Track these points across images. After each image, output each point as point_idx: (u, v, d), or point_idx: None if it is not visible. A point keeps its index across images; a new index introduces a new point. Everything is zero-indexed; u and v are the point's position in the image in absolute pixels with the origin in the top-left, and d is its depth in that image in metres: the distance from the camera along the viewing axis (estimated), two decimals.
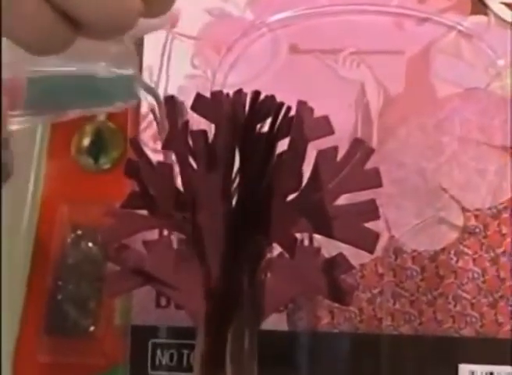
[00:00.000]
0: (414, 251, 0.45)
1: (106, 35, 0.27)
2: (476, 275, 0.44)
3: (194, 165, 0.35)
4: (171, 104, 0.36)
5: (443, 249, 0.45)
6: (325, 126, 0.35)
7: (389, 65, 0.48)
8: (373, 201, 0.34)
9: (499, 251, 0.45)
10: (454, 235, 0.45)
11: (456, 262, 0.45)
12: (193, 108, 0.36)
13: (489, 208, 0.45)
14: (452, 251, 0.45)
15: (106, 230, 0.36)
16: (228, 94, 0.36)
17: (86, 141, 0.51)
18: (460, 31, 0.48)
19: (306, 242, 0.41)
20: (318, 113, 0.35)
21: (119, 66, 0.30)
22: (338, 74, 0.48)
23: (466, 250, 0.45)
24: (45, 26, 0.25)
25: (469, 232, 0.45)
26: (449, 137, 0.46)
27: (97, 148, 0.51)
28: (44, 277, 0.48)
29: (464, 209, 0.45)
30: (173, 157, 0.35)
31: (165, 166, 0.35)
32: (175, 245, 0.37)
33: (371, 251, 0.34)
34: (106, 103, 0.31)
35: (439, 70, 0.48)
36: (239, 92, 0.36)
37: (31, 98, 0.28)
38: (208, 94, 0.36)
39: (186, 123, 0.35)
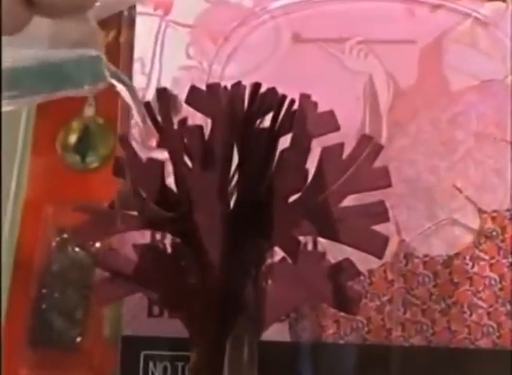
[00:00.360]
0: (426, 255, 0.45)
1: (64, 13, 0.27)
2: (493, 282, 0.45)
3: (189, 163, 0.35)
4: (164, 97, 0.36)
5: (458, 254, 0.45)
6: (330, 122, 0.35)
7: (399, 55, 0.48)
8: (382, 202, 0.34)
9: None
10: (469, 239, 0.45)
11: (472, 267, 0.45)
12: (188, 101, 0.36)
13: (507, 210, 0.45)
14: (467, 256, 0.45)
15: (82, 229, 0.37)
16: (225, 87, 0.36)
17: (72, 138, 0.51)
18: (476, 19, 0.48)
19: (310, 246, 0.42)
20: (322, 107, 0.35)
21: (83, 47, 0.30)
22: (344, 65, 0.48)
23: (482, 255, 0.45)
24: (2, 5, 0.26)
25: (485, 235, 0.45)
26: (464, 133, 0.47)
27: (84, 146, 0.51)
28: (28, 285, 0.48)
29: (480, 211, 0.46)
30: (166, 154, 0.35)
31: (155, 164, 0.35)
32: (168, 249, 0.37)
33: (379, 256, 0.34)
34: (72, 87, 0.31)
35: (452, 61, 0.48)
36: (237, 85, 0.36)
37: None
38: (203, 87, 0.36)
39: (181, 118, 0.35)
